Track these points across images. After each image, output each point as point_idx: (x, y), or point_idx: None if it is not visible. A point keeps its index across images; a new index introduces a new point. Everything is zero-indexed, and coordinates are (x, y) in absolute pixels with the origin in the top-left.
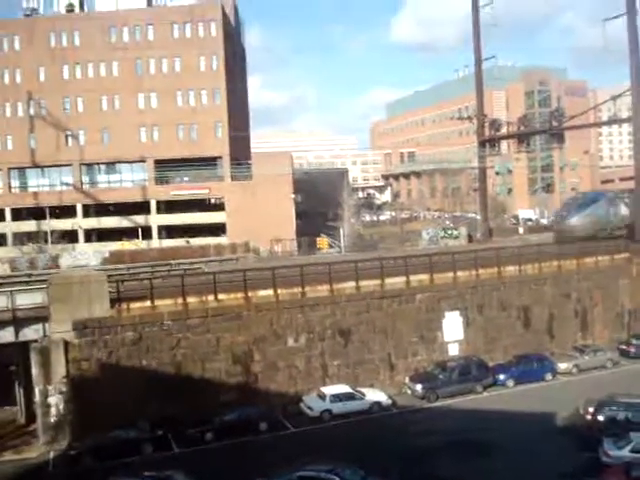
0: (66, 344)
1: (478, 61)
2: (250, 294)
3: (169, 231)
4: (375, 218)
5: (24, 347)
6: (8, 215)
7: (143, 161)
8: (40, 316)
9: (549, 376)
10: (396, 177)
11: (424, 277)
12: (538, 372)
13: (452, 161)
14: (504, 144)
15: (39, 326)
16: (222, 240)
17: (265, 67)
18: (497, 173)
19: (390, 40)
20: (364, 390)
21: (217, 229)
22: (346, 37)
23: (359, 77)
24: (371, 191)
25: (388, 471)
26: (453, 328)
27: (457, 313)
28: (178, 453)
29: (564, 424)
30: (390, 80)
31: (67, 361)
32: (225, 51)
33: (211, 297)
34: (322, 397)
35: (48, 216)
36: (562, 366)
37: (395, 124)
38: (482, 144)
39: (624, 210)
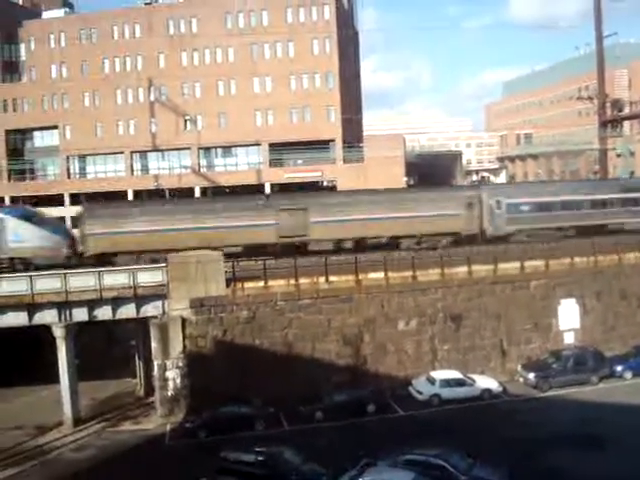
0: (183, 321)
1: (599, 38)
2: (361, 276)
3: None
4: None
5: (144, 323)
6: (130, 196)
7: (258, 144)
8: (159, 294)
9: None
10: (512, 159)
11: (539, 263)
12: None
13: (571, 143)
14: (627, 125)
15: (158, 303)
16: None
17: (379, 48)
18: (618, 155)
19: (508, 18)
20: (474, 376)
21: None
22: (463, 16)
23: (475, 57)
24: (485, 174)
25: (496, 460)
26: (569, 316)
27: (573, 300)
28: (288, 430)
29: None
30: (507, 60)
31: (184, 337)
32: (338, 34)
33: (322, 279)
34: (431, 381)
35: (167, 197)
36: None
37: (511, 104)
38: (603, 125)
39: None
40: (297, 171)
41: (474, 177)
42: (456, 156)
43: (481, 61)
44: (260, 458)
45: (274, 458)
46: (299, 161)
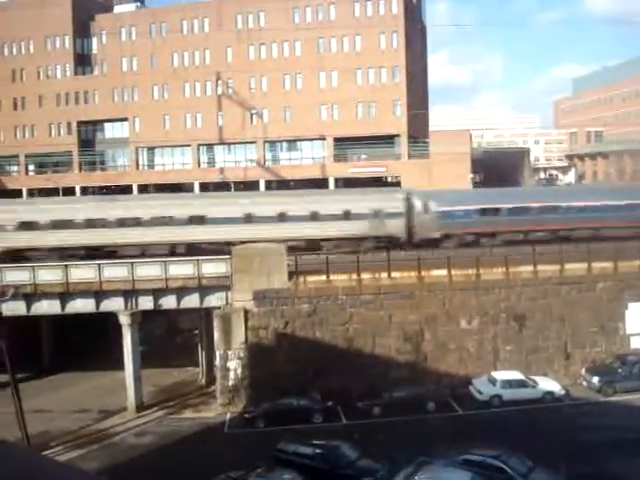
0: (246, 312)
1: None
2: (423, 273)
3: None
4: None
5: (207, 313)
6: (197, 189)
7: (323, 139)
8: (223, 285)
9: None
10: (581, 157)
11: (607, 265)
12: None
13: None
14: None
15: (222, 294)
16: None
17: (450, 42)
18: None
19: (582, 13)
20: (536, 378)
21: None
22: (536, 10)
23: (547, 52)
24: (554, 172)
25: (556, 464)
26: (637, 320)
27: None
28: (346, 425)
29: None
30: (579, 55)
31: (246, 328)
32: (406, 28)
33: (384, 274)
34: (492, 382)
35: (233, 191)
36: None
37: (581, 101)
38: None
39: None
40: (361, 166)
41: (542, 175)
42: (524, 153)
43: (554, 56)
44: (317, 451)
45: (331, 452)
46: (363, 156)
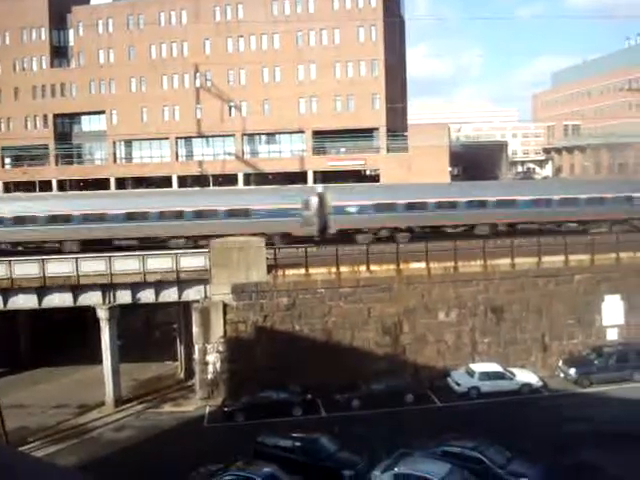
0: (225, 306)
1: None
2: (402, 266)
3: None
4: None
5: (186, 307)
6: (175, 182)
7: (302, 132)
8: (201, 278)
9: None
10: (558, 151)
11: (584, 257)
12: None
13: (620, 135)
14: None
15: (200, 288)
16: None
17: (430, 35)
18: None
19: (563, 6)
20: (514, 370)
21: None
22: (516, 3)
23: (527, 45)
24: (531, 165)
25: (533, 454)
26: (613, 312)
27: (618, 297)
28: (325, 417)
29: None
30: (559, 48)
31: (225, 322)
32: (384, 22)
33: (363, 268)
34: (471, 374)
35: (211, 184)
36: None
37: (559, 95)
38: None
39: None
40: (340, 159)
41: (519, 168)
42: (502, 146)
43: (533, 49)
44: (297, 444)
45: (310, 445)
46: (342, 149)
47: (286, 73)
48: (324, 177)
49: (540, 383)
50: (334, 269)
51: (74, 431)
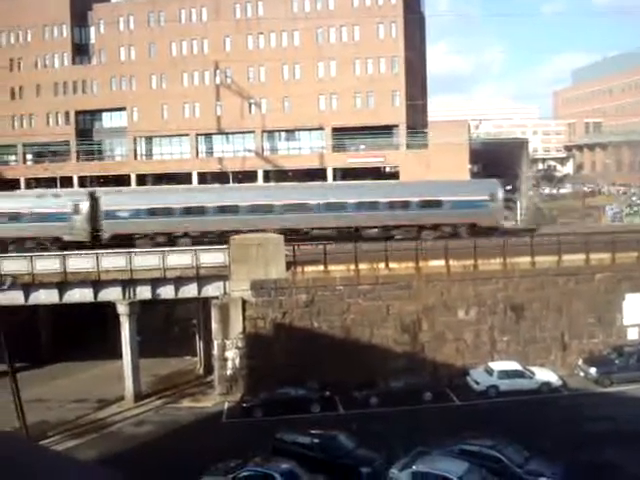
0: (244, 302)
1: None
2: (421, 264)
3: None
4: (555, 191)
5: (205, 303)
6: (195, 179)
7: (321, 129)
8: (221, 275)
9: None
10: (580, 148)
11: (605, 256)
12: None
13: None
14: None
15: (220, 284)
16: None
17: (451, 32)
18: None
19: (584, 3)
20: (533, 369)
21: None
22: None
23: (547, 42)
24: (552, 163)
25: (552, 454)
26: (634, 311)
27: (639, 296)
28: (343, 415)
29: None
30: (579, 46)
31: (244, 318)
32: (404, 18)
33: (382, 265)
34: (489, 372)
35: (231, 180)
36: None
37: (580, 92)
38: None
39: None
40: (359, 156)
41: (540, 166)
42: (522, 144)
43: (553, 47)
44: (315, 441)
45: (329, 442)
46: (362, 146)
47: (306, 70)
48: (344, 174)
49: (560, 382)
50: (353, 266)
51: (94, 425)
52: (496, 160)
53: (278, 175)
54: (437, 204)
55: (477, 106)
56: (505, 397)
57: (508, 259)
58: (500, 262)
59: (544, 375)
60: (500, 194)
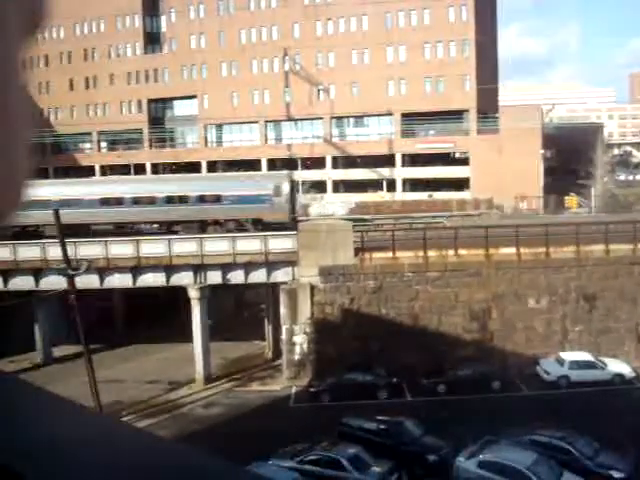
0: (312, 288)
1: None
2: (491, 251)
3: (413, 184)
4: (631, 177)
5: (274, 288)
6: (264, 165)
7: (390, 114)
8: (289, 260)
9: None
10: None
11: None
12: None
13: None
14: None
15: (288, 269)
16: (465, 195)
17: (525, 13)
18: None
19: None
20: (606, 360)
21: (460, 184)
22: None
23: (626, 23)
24: (628, 148)
25: (625, 448)
26: None
27: None
28: (410, 401)
29: None
30: None
31: (312, 304)
32: (475, 1)
33: (451, 252)
34: (560, 362)
35: (300, 167)
36: None
37: None
38: None
39: None
40: (428, 142)
41: (616, 151)
42: (597, 128)
43: (629, 29)
44: (382, 427)
45: (395, 428)
46: (431, 132)
47: (375, 55)
48: (412, 159)
49: (633, 374)
50: (421, 253)
51: (165, 406)
52: (570, 145)
53: (347, 161)
54: (217, 199)
55: (550, 90)
56: (576, 388)
57: (581, 247)
58: (573, 250)
59: (617, 366)
60: (286, 188)
